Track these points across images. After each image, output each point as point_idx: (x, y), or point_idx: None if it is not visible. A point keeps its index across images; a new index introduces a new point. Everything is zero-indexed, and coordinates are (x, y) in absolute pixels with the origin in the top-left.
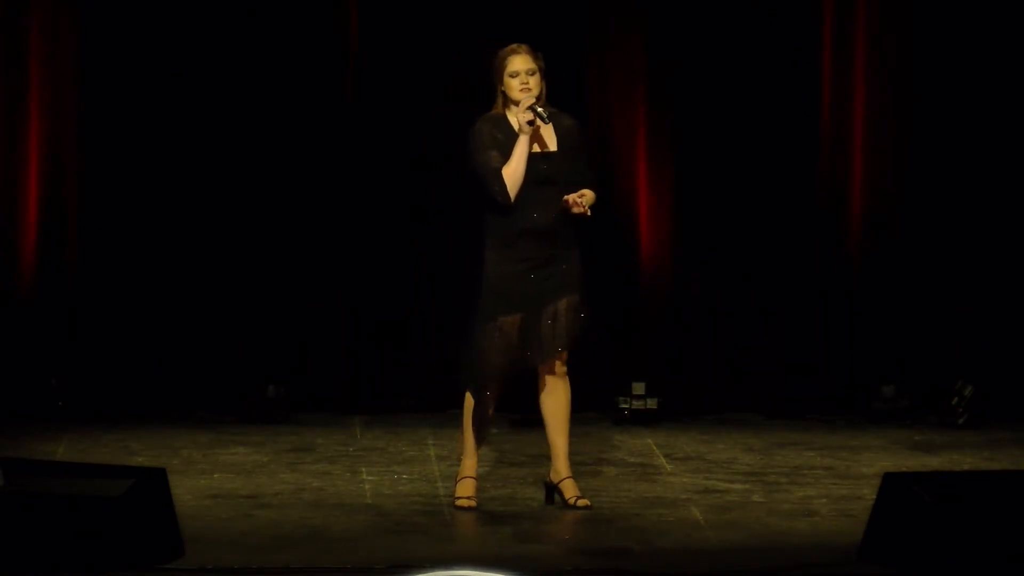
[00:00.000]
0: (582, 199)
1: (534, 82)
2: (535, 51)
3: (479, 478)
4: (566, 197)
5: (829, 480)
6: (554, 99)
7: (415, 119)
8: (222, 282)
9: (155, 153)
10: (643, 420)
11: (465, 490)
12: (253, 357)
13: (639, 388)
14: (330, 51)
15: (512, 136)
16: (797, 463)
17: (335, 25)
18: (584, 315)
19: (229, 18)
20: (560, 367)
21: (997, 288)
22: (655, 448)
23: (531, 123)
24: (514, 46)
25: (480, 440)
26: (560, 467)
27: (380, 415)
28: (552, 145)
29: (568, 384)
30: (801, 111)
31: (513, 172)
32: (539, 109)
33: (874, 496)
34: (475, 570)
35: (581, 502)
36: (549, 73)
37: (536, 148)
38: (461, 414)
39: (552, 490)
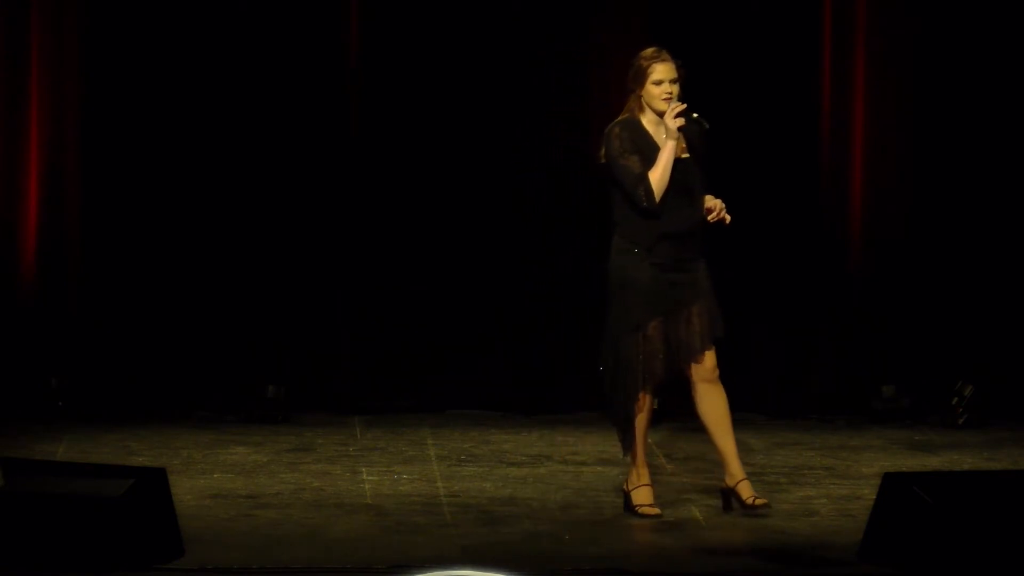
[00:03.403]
0: (721, 210)
1: (675, 91)
2: (675, 58)
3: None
4: (708, 206)
5: (829, 480)
6: (557, 102)
7: (416, 119)
8: (222, 282)
9: (156, 153)
10: None
11: (645, 498)
12: (253, 357)
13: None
14: (331, 51)
15: (648, 141)
16: (797, 463)
17: (335, 26)
18: (719, 319)
19: (231, 17)
20: (712, 372)
21: (997, 288)
22: (655, 448)
23: (682, 129)
24: (655, 51)
25: (628, 448)
26: (734, 470)
27: (380, 415)
28: (685, 152)
29: (722, 387)
30: (801, 111)
31: (660, 177)
32: (694, 115)
33: (874, 496)
34: (475, 570)
35: (759, 501)
36: (554, 78)
37: (676, 154)
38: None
39: (729, 496)
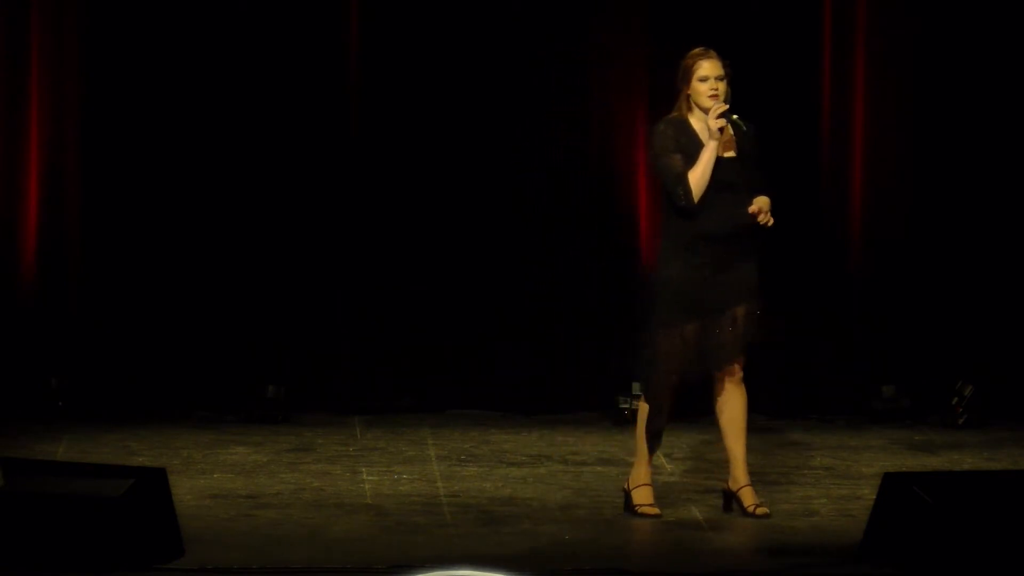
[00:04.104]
0: (764, 212)
1: (723, 87)
2: (722, 56)
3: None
4: (751, 209)
5: (829, 480)
6: (557, 102)
7: (416, 119)
8: (222, 282)
9: (156, 153)
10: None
11: (646, 497)
12: (253, 357)
13: (639, 388)
14: (331, 51)
15: (694, 140)
16: (797, 463)
17: (335, 26)
18: (758, 324)
19: (231, 17)
20: (737, 373)
21: (997, 288)
22: None
23: (722, 130)
24: (701, 50)
25: (652, 449)
26: (738, 475)
27: (380, 415)
28: (732, 151)
29: (744, 391)
30: (801, 111)
31: (699, 177)
32: (734, 117)
33: (874, 496)
34: (475, 570)
35: (760, 510)
36: (554, 78)
37: (719, 153)
38: (634, 422)
39: (730, 498)
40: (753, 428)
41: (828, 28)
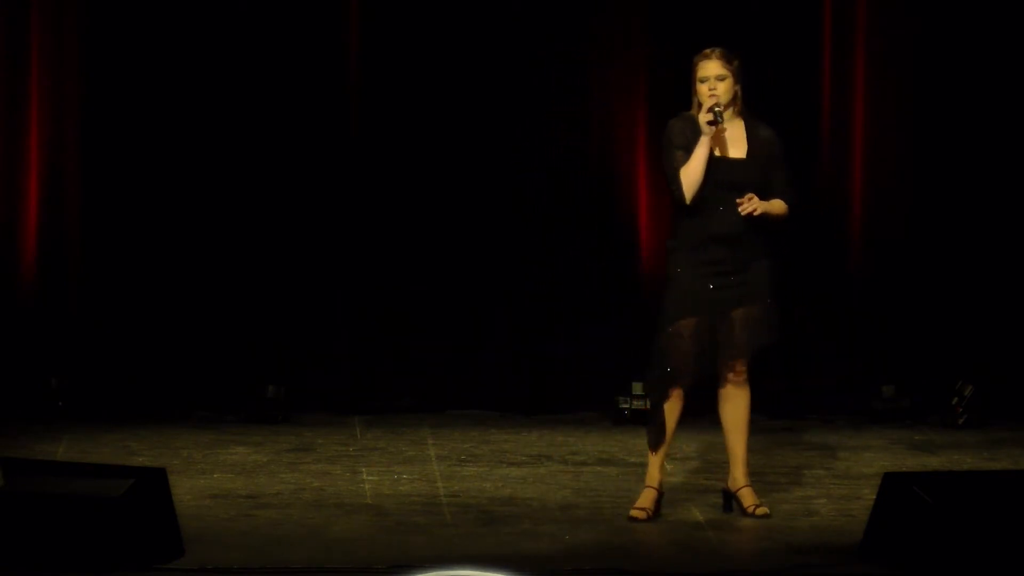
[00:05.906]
0: (751, 201)
1: (722, 87)
2: (729, 55)
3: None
4: (738, 200)
5: (829, 480)
6: (557, 102)
7: (416, 119)
8: (222, 282)
9: (156, 153)
10: (643, 420)
11: (641, 499)
12: (253, 357)
13: (639, 388)
14: (331, 51)
15: (699, 138)
16: (797, 463)
17: (335, 26)
18: (769, 326)
19: (231, 17)
20: (740, 375)
21: (997, 288)
22: None
23: (712, 123)
24: (707, 51)
25: (655, 446)
26: (738, 475)
27: (380, 415)
28: (741, 152)
29: (748, 392)
30: (801, 111)
31: (690, 173)
32: (717, 109)
33: (874, 496)
34: (475, 570)
35: (760, 511)
36: (554, 78)
37: (725, 153)
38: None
39: (730, 498)
40: (753, 428)
41: (828, 28)
